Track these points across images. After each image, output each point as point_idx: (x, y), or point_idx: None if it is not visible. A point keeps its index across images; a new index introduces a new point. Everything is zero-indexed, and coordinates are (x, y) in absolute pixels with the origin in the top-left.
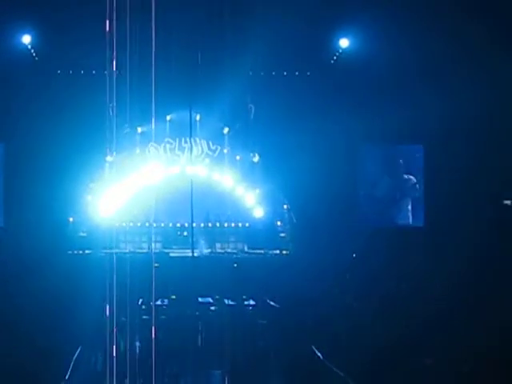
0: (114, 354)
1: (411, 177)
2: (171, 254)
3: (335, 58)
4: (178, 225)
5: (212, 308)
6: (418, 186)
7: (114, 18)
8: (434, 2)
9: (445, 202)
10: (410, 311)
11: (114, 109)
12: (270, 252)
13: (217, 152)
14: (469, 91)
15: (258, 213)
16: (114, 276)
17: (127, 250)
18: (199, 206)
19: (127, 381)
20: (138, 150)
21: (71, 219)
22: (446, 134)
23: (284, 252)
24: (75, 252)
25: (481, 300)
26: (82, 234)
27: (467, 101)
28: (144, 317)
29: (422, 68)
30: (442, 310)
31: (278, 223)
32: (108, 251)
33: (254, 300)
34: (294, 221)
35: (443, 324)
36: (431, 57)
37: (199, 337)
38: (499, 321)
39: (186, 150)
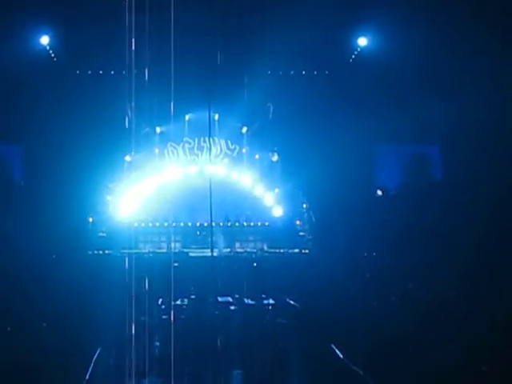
0: (134, 354)
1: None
2: (191, 254)
3: (353, 56)
4: (198, 224)
5: (232, 307)
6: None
7: (133, 18)
8: (451, 5)
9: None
10: (429, 310)
11: (133, 109)
12: (290, 251)
13: (235, 151)
14: (484, 92)
15: (278, 212)
16: (134, 276)
17: (146, 250)
18: (218, 205)
19: (147, 380)
20: (156, 150)
21: (91, 219)
22: (461, 134)
23: (303, 251)
24: (95, 252)
25: (496, 298)
26: (101, 234)
27: (481, 101)
28: (164, 316)
29: (439, 69)
30: (458, 310)
31: (298, 222)
32: (127, 251)
33: (273, 299)
34: (313, 220)
35: (460, 323)
36: (448, 57)
37: (219, 336)
38: None
39: (205, 149)
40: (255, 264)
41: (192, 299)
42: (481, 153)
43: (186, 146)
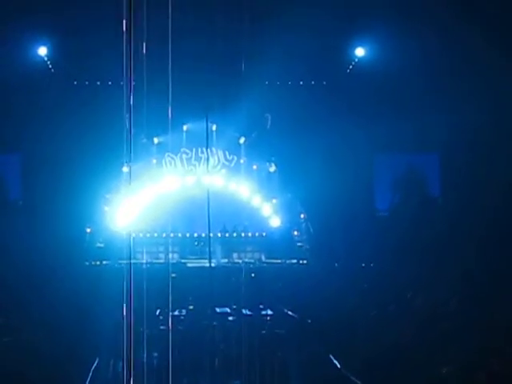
0: (132, 365)
1: None
2: (188, 264)
3: (351, 67)
4: (195, 235)
5: (230, 318)
6: None
7: (130, 28)
8: (449, 14)
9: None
10: (429, 320)
11: (131, 119)
12: (288, 261)
13: (233, 162)
14: (482, 100)
15: (275, 222)
16: (132, 287)
17: (144, 261)
18: (216, 216)
19: None
20: (154, 161)
21: (89, 230)
22: (461, 142)
23: (301, 261)
24: (92, 263)
25: (498, 307)
26: (99, 245)
27: (480, 110)
28: (162, 327)
29: (437, 78)
30: (460, 318)
31: (295, 233)
32: (125, 262)
33: (271, 310)
34: (311, 230)
35: (461, 333)
36: (445, 67)
37: (217, 347)
38: None
39: (203, 160)
40: (253, 274)
41: (190, 310)
42: (480, 161)
43: (184, 156)
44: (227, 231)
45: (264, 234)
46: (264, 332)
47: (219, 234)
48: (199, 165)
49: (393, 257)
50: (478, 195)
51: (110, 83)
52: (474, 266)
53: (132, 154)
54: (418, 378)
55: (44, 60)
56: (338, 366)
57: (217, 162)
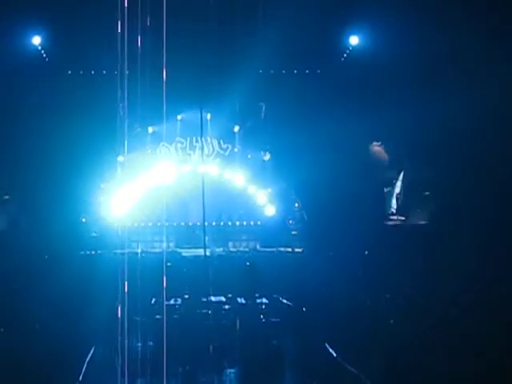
0: (127, 354)
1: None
2: (184, 254)
3: (345, 55)
4: (190, 224)
5: (225, 307)
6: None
7: (125, 18)
8: (445, 1)
9: (451, 199)
10: (425, 309)
11: (125, 109)
12: (283, 250)
13: (228, 151)
14: (478, 91)
15: (270, 211)
16: (127, 276)
17: (139, 250)
18: (211, 205)
19: (140, 380)
20: (149, 150)
21: (83, 220)
22: (454, 134)
23: (296, 250)
24: (87, 252)
25: (496, 297)
26: (94, 235)
27: (477, 101)
28: (157, 316)
29: (432, 66)
30: (456, 307)
31: (290, 221)
32: (120, 251)
33: (266, 298)
34: (306, 218)
35: (457, 322)
36: (442, 55)
37: (212, 336)
38: None
39: (197, 149)
40: (248, 263)
41: (185, 299)
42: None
43: (179, 145)
44: (222, 220)
45: (259, 223)
46: (259, 320)
47: (214, 223)
48: (194, 154)
49: (388, 245)
50: (473, 192)
51: (104, 72)
52: (475, 257)
53: (127, 143)
54: (413, 367)
55: (38, 50)
56: (334, 354)
57: (211, 150)
